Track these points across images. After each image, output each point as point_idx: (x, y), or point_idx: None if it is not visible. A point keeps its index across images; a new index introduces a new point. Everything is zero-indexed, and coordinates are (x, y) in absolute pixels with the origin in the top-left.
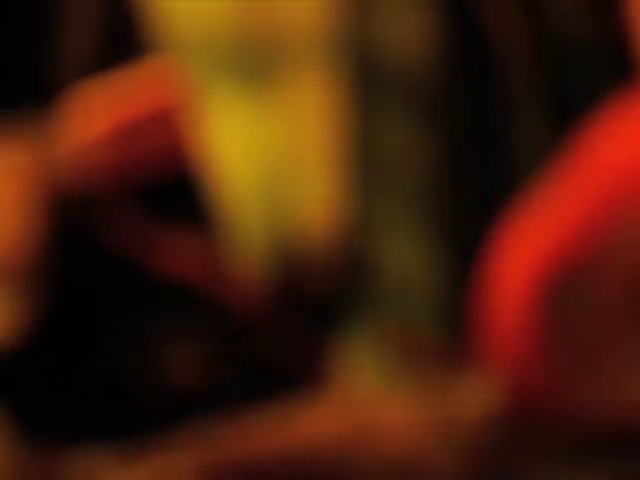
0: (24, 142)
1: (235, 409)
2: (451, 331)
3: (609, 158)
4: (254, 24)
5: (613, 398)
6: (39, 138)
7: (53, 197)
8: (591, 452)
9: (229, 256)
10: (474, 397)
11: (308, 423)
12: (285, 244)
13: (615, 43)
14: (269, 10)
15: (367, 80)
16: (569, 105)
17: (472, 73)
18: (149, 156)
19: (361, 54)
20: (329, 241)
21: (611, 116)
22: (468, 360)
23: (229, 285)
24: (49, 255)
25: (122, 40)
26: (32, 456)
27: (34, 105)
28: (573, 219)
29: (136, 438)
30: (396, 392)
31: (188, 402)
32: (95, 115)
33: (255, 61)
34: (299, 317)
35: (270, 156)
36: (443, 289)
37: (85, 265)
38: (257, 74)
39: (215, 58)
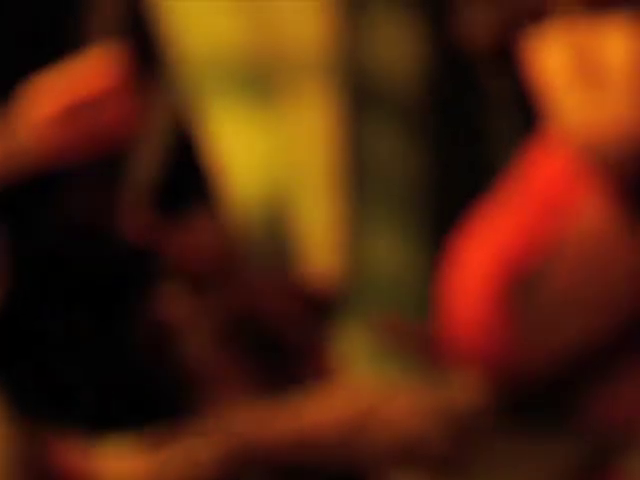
0: None
1: (248, 394)
2: (433, 320)
3: (538, 180)
4: (259, 46)
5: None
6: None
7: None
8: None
9: (238, 251)
10: (460, 390)
11: (317, 411)
12: (287, 243)
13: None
14: (273, 33)
15: (359, 97)
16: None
17: (452, 90)
18: (94, 132)
19: (354, 74)
20: (326, 240)
21: (539, 145)
22: (443, 345)
23: (238, 276)
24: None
25: (144, 54)
26: (32, 438)
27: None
28: (519, 226)
29: (154, 420)
30: (389, 380)
31: (201, 381)
32: (47, 98)
33: (259, 80)
34: (299, 305)
35: (272, 165)
36: (425, 284)
37: (107, 253)
38: (261, 92)
39: (222, 77)
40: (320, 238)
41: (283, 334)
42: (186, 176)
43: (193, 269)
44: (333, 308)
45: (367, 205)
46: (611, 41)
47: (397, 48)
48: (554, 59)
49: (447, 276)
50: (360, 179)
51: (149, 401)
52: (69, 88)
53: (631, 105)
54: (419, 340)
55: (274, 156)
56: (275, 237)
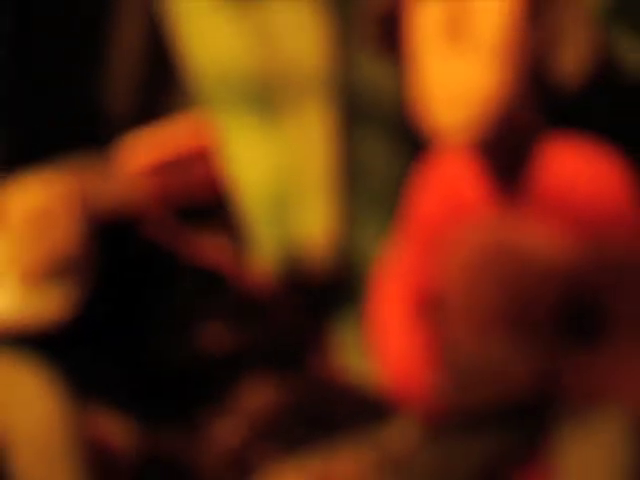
0: (77, 174)
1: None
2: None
3: (424, 208)
4: (264, 68)
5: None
6: (92, 170)
7: (100, 214)
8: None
9: (249, 254)
10: (399, 435)
11: None
12: (290, 245)
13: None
14: (277, 57)
15: (350, 112)
16: None
17: None
18: (186, 185)
19: (346, 92)
20: (324, 241)
21: (422, 175)
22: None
23: (249, 276)
24: (91, 256)
25: (163, 74)
26: (79, 415)
27: (91, 144)
28: (415, 255)
29: (173, 399)
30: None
31: (217, 365)
32: (142, 153)
33: (264, 97)
34: (301, 301)
35: (277, 175)
36: None
37: (134, 260)
38: (266, 107)
39: (233, 94)
40: (317, 232)
41: (288, 321)
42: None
43: (209, 265)
44: (330, 297)
45: (359, 206)
46: (485, 4)
47: (383, 70)
48: (427, 16)
49: (372, 303)
50: (351, 182)
51: (169, 376)
52: (164, 146)
53: (490, 67)
54: None
55: (277, 162)
56: (279, 233)
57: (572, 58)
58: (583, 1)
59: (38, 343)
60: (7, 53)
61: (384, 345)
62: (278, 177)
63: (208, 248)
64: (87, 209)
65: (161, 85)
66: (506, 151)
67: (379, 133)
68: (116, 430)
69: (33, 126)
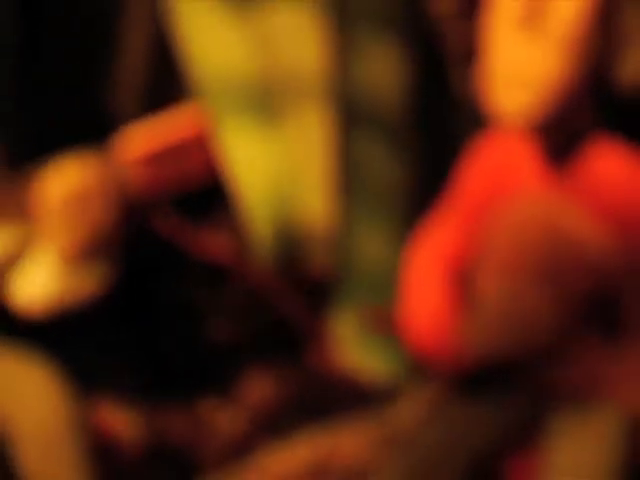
0: (96, 162)
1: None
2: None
3: (472, 182)
4: (266, 73)
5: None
6: (104, 161)
7: (120, 199)
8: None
9: (250, 249)
10: (408, 412)
11: (282, 461)
12: (290, 241)
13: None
14: (277, 63)
15: (348, 115)
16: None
17: (428, 108)
18: (181, 173)
19: (344, 96)
20: (322, 237)
21: (475, 153)
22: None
23: (250, 270)
24: (122, 236)
25: (167, 78)
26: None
27: (97, 135)
28: (457, 226)
29: (181, 381)
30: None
31: (220, 356)
32: (138, 143)
33: (266, 101)
34: (301, 294)
35: (277, 173)
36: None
37: (143, 249)
38: (267, 111)
39: (235, 98)
40: (317, 232)
41: (288, 314)
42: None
43: (212, 260)
44: (328, 292)
45: (355, 204)
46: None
47: (380, 74)
48: (505, 2)
49: (406, 270)
50: (350, 183)
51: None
52: (159, 136)
53: (559, 56)
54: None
55: (278, 163)
56: (279, 231)
57: (634, 64)
58: None
59: (45, 334)
60: (23, 55)
61: (416, 305)
62: (278, 177)
63: (212, 243)
64: (116, 191)
65: (166, 87)
66: (558, 140)
67: (375, 135)
68: (121, 420)
69: (45, 121)
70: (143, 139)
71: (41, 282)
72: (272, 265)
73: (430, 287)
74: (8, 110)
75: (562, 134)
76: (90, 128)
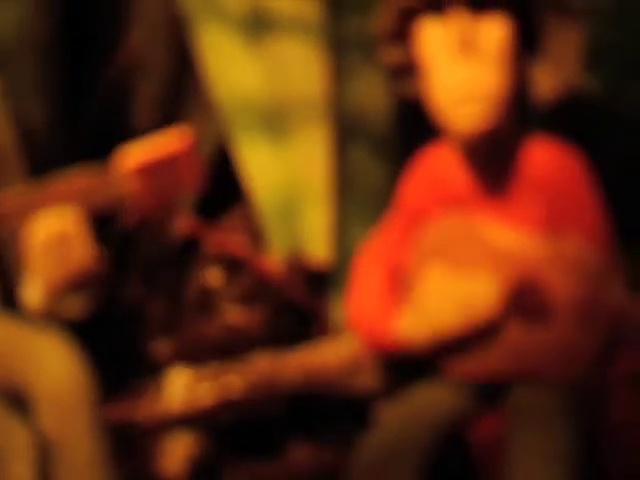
0: (79, 180)
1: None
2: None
3: (410, 194)
4: (274, 96)
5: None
6: (93, 174)
7: (112, 208)
8: None
9: (263, 246)
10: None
11: (323, 352)
12: (296, 240)
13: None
14: (284, 86)
15: (344, 132)
16: None
17: (412, 124)
18: (169, 183)
19: (340, 116)
20: (322, 237)
21: (414, 165)
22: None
23: (263, 263)
24: (103, 269)
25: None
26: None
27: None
28: (398, 233)
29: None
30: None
31: (237, 334)
32: (133, 158)
33: (274, 120)
34: (304, 284)
35: (284, 180)
36: None
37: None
38: (276, 128)
39: (249, 117)
40: (317, 230)
41: (293, 299)
42: (224, 186)
43: (230, 255)
44: (326, 281)
45: (350, 207)
46: (487, 27)
47: (370, 96)
48: (439, 35)
49: (354, 266)
50: (343, 189)
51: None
52: (150, 151)
53: (497, 72)
54: None
55: (284, 173)
56: (286, 229)
57: (553, 83)
58: (578, 42)
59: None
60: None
61: (357, 297)
62: (285, 185)
63: (229, 239)
64: (88, 210)
65: (193, 110)
66: (494, 146)
67: (366, 149)
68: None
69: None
70: (138, 153)
71: (32, 300)
72: (281, 259)
73: (370, 283)
74: (58, 136)
75: (497, 140)
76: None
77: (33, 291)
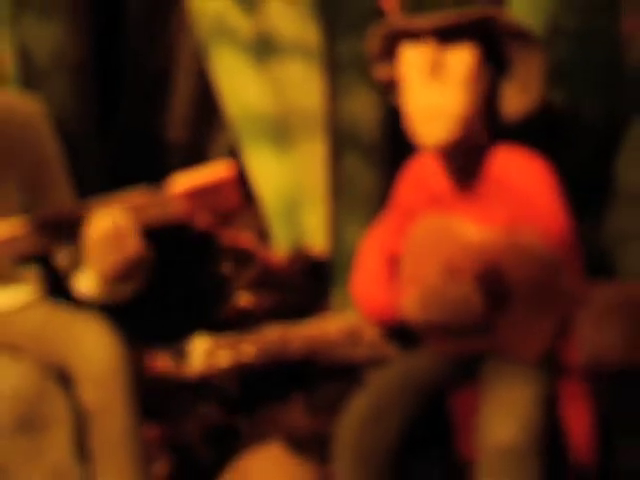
0: (135, 197)
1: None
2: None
3: (402, 194)
4: (277, 109)
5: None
6: (149, 193)
7: (156, 222)
8: None
9: (270, 242)
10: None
11: (326, 324)
12: (298, 236)
13: None
14: (288, 102)
15: (340, 142)
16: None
17: (399, 134)
18: (214, 205)
19: (337, 127)
20: (321, 235)
21: (406, 169)
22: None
23: (270, 257)
24: (149, 260)
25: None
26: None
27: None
28: (394, 225)
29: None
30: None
31: (247, 316)
32: (183, 182)
33: (277, 131)
34: (305, 275)
35: (287, 185)
36: None
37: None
38: (279, 138)
39: (256, 129)
40: (315, 227)
41: (295, 288)
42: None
43: (241, 249)
44: (324, 271)
45: (344, 207)
46: (454, 54)
47: (363, 111)
48: (413, 59)
49: (359, 253)
50: (340, 192)
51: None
52: (199, 178)
53: (462, 93)
54: None
55: (287, 178)
56: (288, 227)
57: (520, 99)
58: (541, 64)
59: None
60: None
61: (361, 278)
62: (288, 188)
63: (242, 237)
64: (143, 223)
65: (209, 122)
66: (465, 154)
67: (359, 157)
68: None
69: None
70: (189, 179)
71: (87, 288)
72: (285, 253)
73: (371, 266)
74: (91, 151)
75: (467, 149)
76: (153, 161)
77: (90, 280)
